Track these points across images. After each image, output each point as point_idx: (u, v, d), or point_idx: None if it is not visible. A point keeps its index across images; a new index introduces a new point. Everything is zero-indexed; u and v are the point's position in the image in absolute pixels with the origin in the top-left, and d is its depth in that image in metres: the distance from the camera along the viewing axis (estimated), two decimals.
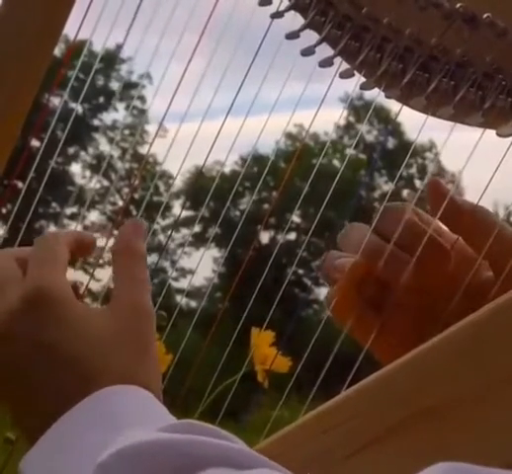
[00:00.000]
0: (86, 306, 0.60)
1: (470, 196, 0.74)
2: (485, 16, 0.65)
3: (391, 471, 0.61)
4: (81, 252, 0.67)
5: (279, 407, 0.76)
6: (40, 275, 0.59)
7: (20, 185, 0.80)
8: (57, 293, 0.58)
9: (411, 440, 0.61)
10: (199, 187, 0.95)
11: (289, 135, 14.21)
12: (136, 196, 0.91)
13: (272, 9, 0.72)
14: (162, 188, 13.24)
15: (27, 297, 0.58)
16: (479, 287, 0.70)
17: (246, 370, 1.00)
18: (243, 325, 0.82)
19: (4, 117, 0.81)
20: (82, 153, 17.91)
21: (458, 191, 0.74)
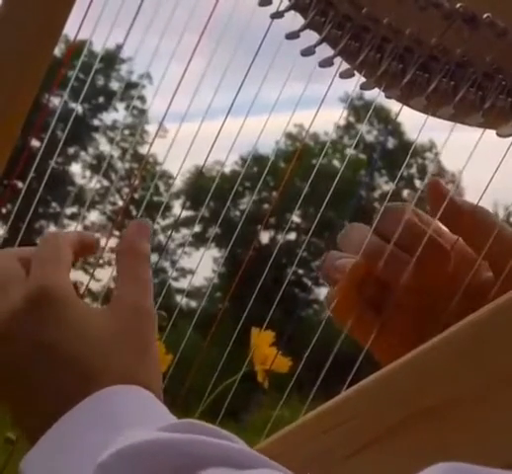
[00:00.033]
0: (88, 306, 0.60)
1: (470, 196, 0.74)
2: (485, 16, 0.65)
3: (391, 471, 0.61)
4: (84, 252, 0.67)
5: (279, 407, 0.76)
6: (42, 274, 0.59)
7: (20, 185, 0.80)
8: (60, 293, 0.58)
9: (411, 440, 0.61)
10: (199, 187, 0.95)
11: (289, 135, 14.22)
12: (136, 196, 0.91)
13: (272, 9, 0.72)
14: (162, 188, 13.25)
15: (29, 297, 0.58)
16: (479, 288, 0.70)
17: (246, 370, 1.00)
18: (243, 325, 0.82)
19: (4, 117, 0.81)
20: (82, 153, 17.92)
21: (458, 191, 0.74)
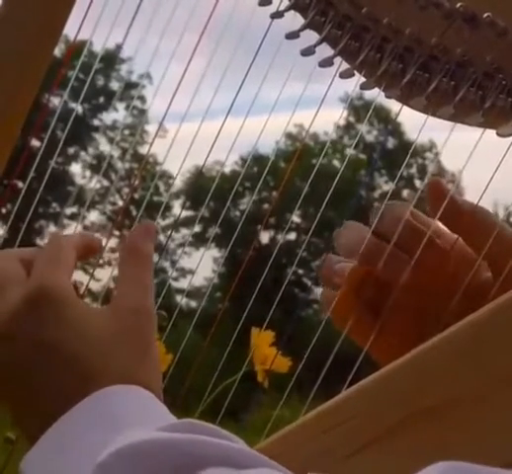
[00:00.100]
0: (87, 306, 0.60)
1: (470, 196, 0.74)
2: (486, 15, 0.65)
3: (391, 471, 0.61)
4: (87, 255, 0.67)
5: (279, 407, 0.76)
6: (42, 274, 0.59)
7: (20, 185, 0.80)
8: (59, 293, 0.58)
9: (411, 440, 0.61)
10: (199, 187, 0.95)
11: (289, 135, 14.21)
12: (136, 196, 0.91)
13: (272, 9, 0.72)
14: (162, 188, 13.24)
15: (29, 297, 0.58)
16: (479, 288, 0.70)
17: (246, 370, 1.00)
18: (243, 325, 0.82)
19: (4, 117, 0.81)
20: (82, 153, 17.92)
21: (458, 191, 0.74)
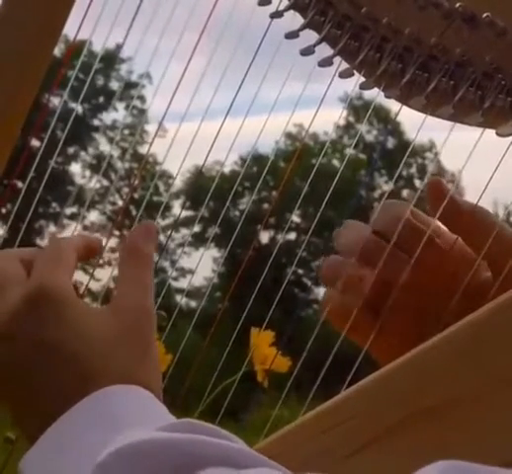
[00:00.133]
0: (87, 306, 0.60)
1: (470, 195, 0.74)
2: (485, 15, 0.65)
3: (391, 471, 0.61)
4: (88, 256, 0.67)
5: (278, 406, 0.76)
6: (42, 274, 0.59)
7: (20, 185, 0.80)
8: (59, 293, 0.58)
9: (410, 440, 0.61)
10: (198, 187, 0.95)
11: (288, 135, 14.21)
12: (136, 196, 0.91)
13: (271, 9, 0.72)
14: (162, 188, 13.25)
15: (29, 297, 0.58)
16: (479, 287, 0.70)
17: (246, 370, 1.00)
18: (243, 325, 0.82)
19: (4, 117, 0.81)
20: (82, 153, 17.92)
21: (457, 190, 0.74)
